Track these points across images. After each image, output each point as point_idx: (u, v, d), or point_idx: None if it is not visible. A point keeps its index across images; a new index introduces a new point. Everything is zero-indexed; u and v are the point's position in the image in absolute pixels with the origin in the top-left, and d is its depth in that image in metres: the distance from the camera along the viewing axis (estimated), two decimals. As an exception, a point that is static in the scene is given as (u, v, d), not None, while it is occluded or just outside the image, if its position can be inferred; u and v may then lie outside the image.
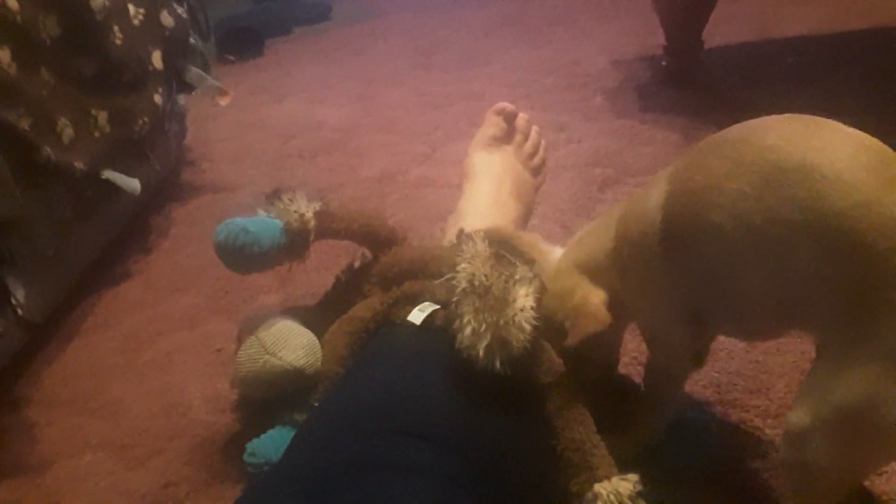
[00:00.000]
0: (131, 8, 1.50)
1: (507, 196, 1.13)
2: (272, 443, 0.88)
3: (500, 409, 0.76)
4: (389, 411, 0.73)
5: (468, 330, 0.74)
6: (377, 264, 1.01)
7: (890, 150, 0.62)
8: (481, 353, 0.73)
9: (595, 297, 0.79)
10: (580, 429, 0.76)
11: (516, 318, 0.75)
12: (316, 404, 0.90)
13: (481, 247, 0.82)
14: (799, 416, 0.63)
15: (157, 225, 1.69)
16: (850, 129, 0.64)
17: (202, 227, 1.65)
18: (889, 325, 0.57)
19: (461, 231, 0.89)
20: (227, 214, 1.64)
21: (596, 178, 1.54)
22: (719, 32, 2.09)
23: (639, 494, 0.71)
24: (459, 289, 0.78)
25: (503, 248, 0.83)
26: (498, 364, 0.73)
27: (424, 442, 0.68)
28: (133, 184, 1.42)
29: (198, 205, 1.76)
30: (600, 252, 0.81)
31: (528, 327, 0.75)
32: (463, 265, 0.80)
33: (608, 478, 0.73)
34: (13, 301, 1.14)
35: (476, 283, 0.77)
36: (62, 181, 1.26)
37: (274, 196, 0.99)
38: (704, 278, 0.71)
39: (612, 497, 0.70)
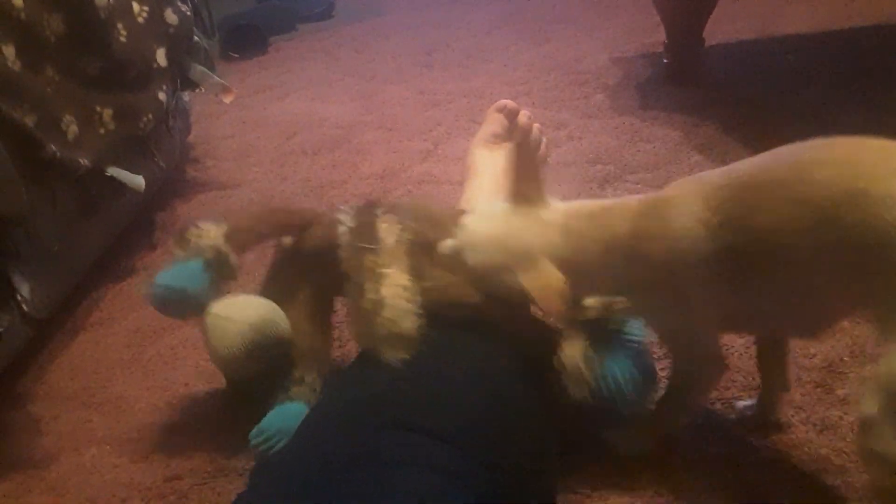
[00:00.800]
0: (135, 6, 1.51)
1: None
2: (277, 417, 0.91)
3: (497, 402, 0.77)
4: (390, 406, 0.74)
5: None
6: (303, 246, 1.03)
7: None
8: (384, 357, 0.81)
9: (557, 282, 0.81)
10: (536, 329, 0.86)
11: (395, 308, 0.83)
12: (306, 378, 0.95)
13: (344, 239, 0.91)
14: (866, 405, 0.65)
15: (161, 221, 1.70)
16: (881, 143, 0.69)
17: (205, 224, 1.65)
18: None
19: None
20: (230, 211, 1.67)
21: (596, 175, 1.55)
22: (720, 30, 2.09)
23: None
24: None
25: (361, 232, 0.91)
26: (404, 352, 0.81)
27: (424, 436, 0.69)
28: (137, 180, 1.42)
29: (202, 201, 1.77)
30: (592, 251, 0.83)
31: (408, 306, 0.83)
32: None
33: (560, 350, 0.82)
34: (18, 297, 1.14)
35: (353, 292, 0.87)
36: (67, 178, 1.27)
37: (181, 236, 0.99)
38: (763, 296, 0.76)
39: (572, 368, 0.80)
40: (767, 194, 0.73)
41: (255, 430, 0.90)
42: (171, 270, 0.96)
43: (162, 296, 0.96)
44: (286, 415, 0.90)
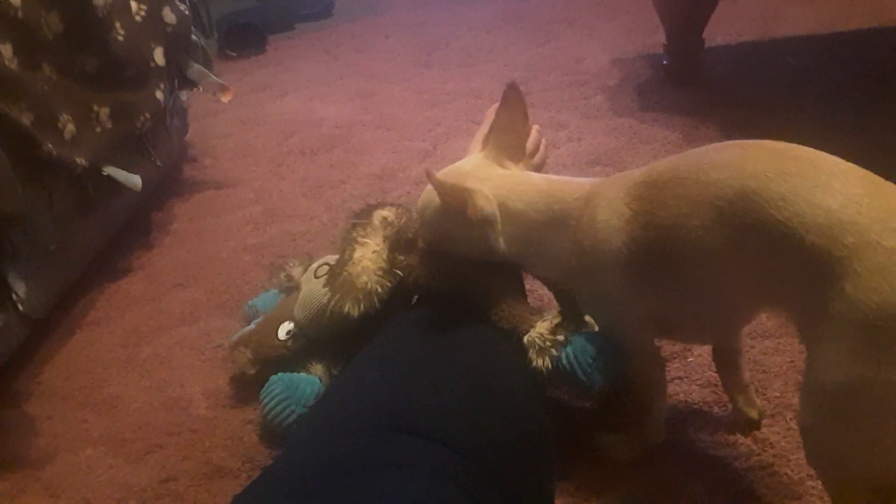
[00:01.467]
0: (133, 4, 1.50)
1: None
2: (286, 376, 1.01)
3: (496, 405, 0.77)
4: (387, 410, 0.74)
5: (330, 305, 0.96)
6: None
7: (806, 152, 0.69)
8: (347, 310, 0.92)
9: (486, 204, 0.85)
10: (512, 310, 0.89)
11: (358, 270, 0.94)
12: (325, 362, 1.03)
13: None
14: (803, 416, 0.67)
15: (158, 220, 1.69)
16: (776, 145, 0.71)
17: (203, 223, 1.65)
18: (840, 310, 0.61)
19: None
20: (228, 210, 1.67)
21: (596, 176, 1.54)
22: (720, 32, 2.09)
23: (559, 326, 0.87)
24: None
25: (360, 215, 1.03)
26: (357, 307, 0.91)
27: (421, 439, 0.69)
28: (134, 179, 1.42)
29: (199, 200, 1.76)
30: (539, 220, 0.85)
31: (372, 266, 0.94)
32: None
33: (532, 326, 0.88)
34: (14, 296, 1.14)
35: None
36: (64, 177, 1.26)
37: (271, 269, 1.25)
38: (676, 294, 0.78)
39: (537, 339, 0.86)
40: (668, 192, 0.75)
41: (265, 386, 1.00)
42: (259, 297, 1.23)
43: (245, 313, 1.22)
44: (295, 376, 1.01)
